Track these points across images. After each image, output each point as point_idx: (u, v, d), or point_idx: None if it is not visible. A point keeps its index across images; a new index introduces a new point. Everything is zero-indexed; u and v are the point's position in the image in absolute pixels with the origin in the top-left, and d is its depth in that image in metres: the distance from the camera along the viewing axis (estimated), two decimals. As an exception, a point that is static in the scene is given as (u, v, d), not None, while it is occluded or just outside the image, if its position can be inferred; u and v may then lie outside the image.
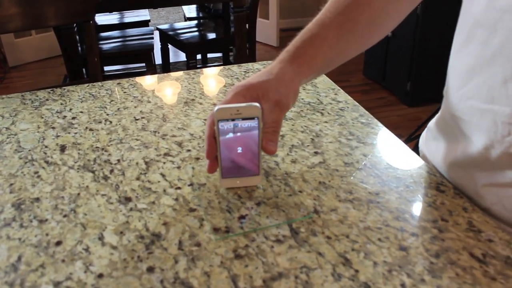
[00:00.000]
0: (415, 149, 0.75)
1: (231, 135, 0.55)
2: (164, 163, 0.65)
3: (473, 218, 0.53)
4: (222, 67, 1.03)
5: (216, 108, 0.53)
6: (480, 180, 0.58)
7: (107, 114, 0.81)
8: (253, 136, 0.55)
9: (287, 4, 4.34)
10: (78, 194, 0.59)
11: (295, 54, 0.58)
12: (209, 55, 3.64)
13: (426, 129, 0.74)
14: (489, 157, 0.55)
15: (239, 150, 0.56)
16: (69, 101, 0.87)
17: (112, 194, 0.59)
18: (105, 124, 0.77)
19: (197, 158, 0.66)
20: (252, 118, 0.54)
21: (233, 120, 0.53)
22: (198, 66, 3.00)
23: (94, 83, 0.94)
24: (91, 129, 0.76)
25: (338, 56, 0.62)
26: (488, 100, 0.53)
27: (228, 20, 2.93)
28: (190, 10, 3.47)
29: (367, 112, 0.79)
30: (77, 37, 2.29)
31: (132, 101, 0.86)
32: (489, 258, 0.47)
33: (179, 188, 0.60)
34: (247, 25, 2.52)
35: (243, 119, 0.54)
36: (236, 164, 0.57)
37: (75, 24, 2.16)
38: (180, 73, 1.00)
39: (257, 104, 0.53)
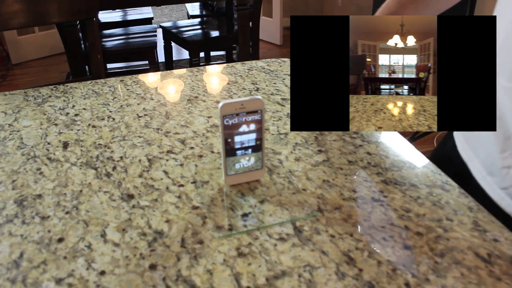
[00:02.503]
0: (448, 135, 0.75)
1: (235, 129, 0.55)
2: (167, 160, 0.65)
3: (479, 217, 0.53)
4: (225, 64, 1.02)
5: (220, 104, 0.54)
6: (500, 160, 0.58)
7: (110, 111, 0.81)
8: (257, 129, 0.56)
9: (290, 2, 4.34)
10: (81, 191, 0.59)
11: None
12: (212, 53, 3.63)
13: None
14: (510, 135, 0.55)
15: (244, 144, 0.56)
16: (72, 98, 0.86)
17: (114, 191, 0.59)
18: (108, 121, 0.77)
19: (200, 156, 0.66)
20: (256, 111, 0.55)
21: (237, 114, 0.54)
22: (201, 64, 3.00)
23: (97, 80, 0.94)
24: (93, 126, 0.76)
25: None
26: (511, 78, 0.54)
27: (231, 18, 2.92)
28: (193, 8, 3.47)
29: (371, 110, 0.79)
30: (80, 34, 2.29)
31: (135, 98, 0.85)
32: (494, 258, 0.47)
33: (182, 185, 0.59)
34: (250, 23, 2.52)
35: (247, 113, 0.55)
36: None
37: (78, 22, 2.16)
38: (183, 70, 1.00)
39: (260, 97, 0.55)
